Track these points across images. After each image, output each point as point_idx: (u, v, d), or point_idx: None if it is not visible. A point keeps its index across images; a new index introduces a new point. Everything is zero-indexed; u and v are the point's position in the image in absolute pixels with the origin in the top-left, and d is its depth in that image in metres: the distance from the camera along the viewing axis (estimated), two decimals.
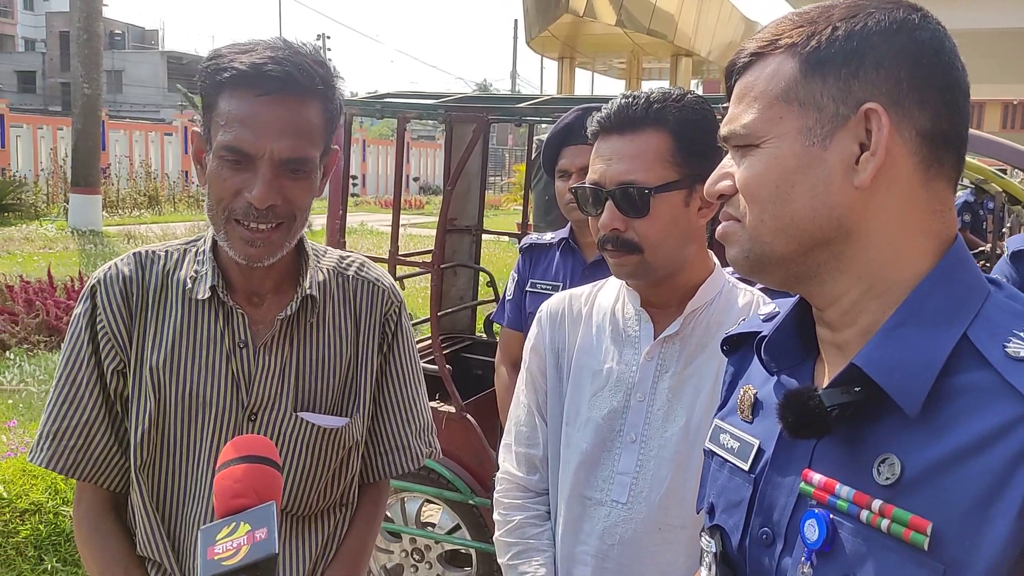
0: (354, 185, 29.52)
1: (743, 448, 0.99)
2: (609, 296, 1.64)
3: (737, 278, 1.73)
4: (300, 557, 1.44)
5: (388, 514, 3.50)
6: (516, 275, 2.87)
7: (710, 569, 1.01)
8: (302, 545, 1.44)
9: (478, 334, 4.55)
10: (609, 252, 1.49)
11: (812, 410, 0.85)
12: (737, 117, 0.91)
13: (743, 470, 0.98)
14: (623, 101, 1.49)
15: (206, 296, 1.39)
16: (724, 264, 1.82)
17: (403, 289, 4.39)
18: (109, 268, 1.44)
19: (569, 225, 2.76)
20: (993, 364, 0.79)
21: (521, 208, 4.82)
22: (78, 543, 1.47)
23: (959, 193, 5.08)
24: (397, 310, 1.54)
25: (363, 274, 1.53)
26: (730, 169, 0.93)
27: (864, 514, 0.82)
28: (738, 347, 1.10)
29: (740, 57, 0.93)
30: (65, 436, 1.40)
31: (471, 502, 3.25)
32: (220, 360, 1.39)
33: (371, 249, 12.87)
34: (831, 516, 0.85)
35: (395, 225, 3.46)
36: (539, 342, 1.68)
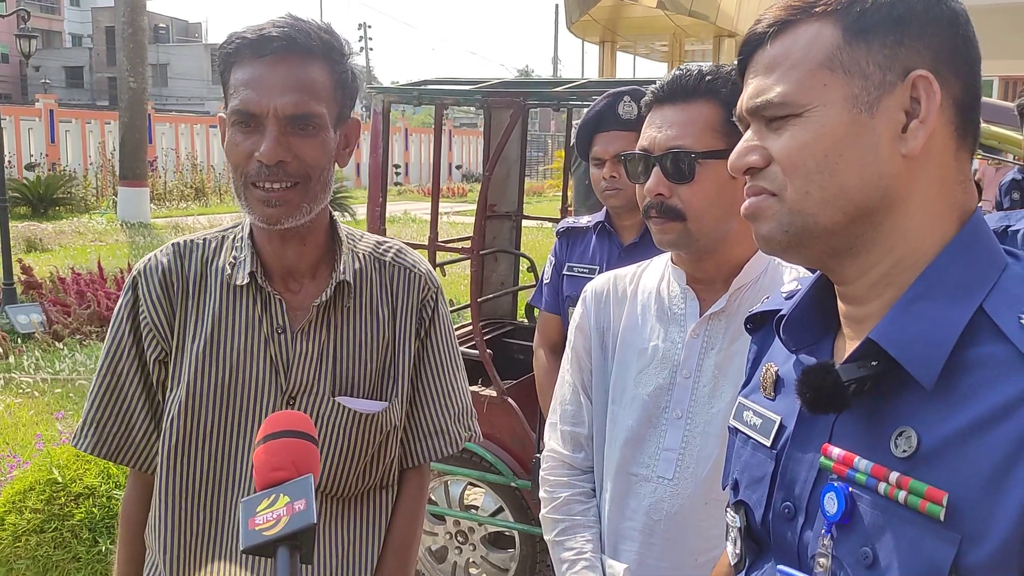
0: (397, 174, 29.70)
1: (765, 424, 1.00)
2: (654, 275, 1.63)
3: None
4: (342, 537, 1.45)
5: (432, 497, 3.54)
6: (553, 259, 2.87)
7: (735, 544, 1.03)
8: (344, 526, 1.46)
9: (519, 319, 4.55)
10: (653, 219, 1.49)
11: (830, 385, 0.85)
12: (769, 88, 0.89)
13: (765, 446, 0.99)
14: (677, 73, 1.51)
15: (245, 282, 1.41)
16: None
17: (443, 276, 4.43)
18: (149, 259, 1.47)
19: (605, 208, 2.75)
20: (1009, 336, 0.79)
21: (564, 192, 4.81)
22: (120, 527, 1.52)
23: (1008, 172, 4.96)
24: (434, 296, 1.54)
25: (400, 260, 1.54)
26: (756, 142, 0.91)
27: (882, 486, 0.82)
28: (761, 325, 1.10)
29: (761, 27, 0.91)
30: (107, 423, 1.45)
31: (513, 484, 3.26)
32: (259, 345, 1.41)
33: (414, 237, 12.94)
34: (850, 489, 0.85)
35: (434, 211, 3.48)
36: (584, 321, 1.68)
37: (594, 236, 2.79)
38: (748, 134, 0.93)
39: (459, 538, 3.52)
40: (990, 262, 0.85)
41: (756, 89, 0.91)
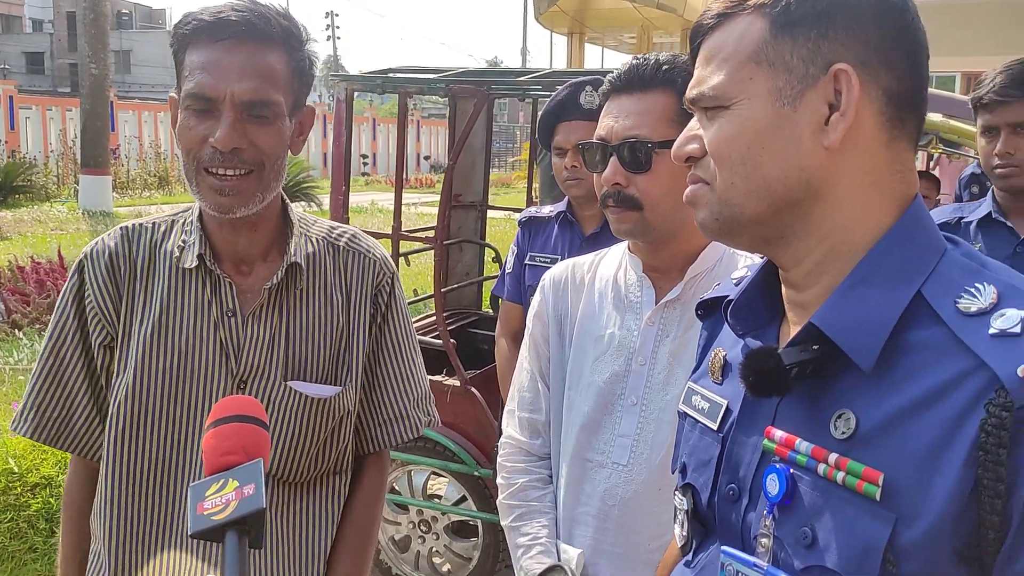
0: (364, 164, 29.51)
1: (712, 408, 1.02)
2: (611, 264, 1.65)
3: None
4: (295, 523, 1.45)
5: (395, 486, 3.54)
6: (515, 248, 2.89)
7: (682, 526, 1.05)
8: (296, 511, 1.45)
9: (484, 309, 4.56)
10: (610, 208, 1.50)
11: (772, 369, 0.86)
12: (705, 79, 0.91)
13: (712, 429, 1.01)
14: (634, 62, 1.52)
15: (193, 265, 1.39)
16: None
17: (408, 266, 4.41)
18: (96, 243, 1.45)
19: (567, 198, 2.76)
20: (945, 320, 0.81)
21: (529, 182, 4.82)
22: (63, 515, 1.51)
23: (968, 166, 5.05)
24: (390, 281, 1.54)
25: (355, 245, 1.53)
26: (697, 131, 0.93)
27: (821, 467, 0.84)
28: (711, 311, 1.12)
29: (706, 18, 0.93)
30: (48, 408, 1.43)
31: (476, 473, 3.27)
32: (208, 329, 1.40)
33: (380, 227, 12.89)
34: (791, 471, 0.87)
35: (398, 200, 3.46)
36: (543, 309, 1.69)
37: (556, 226, 2.80)
38: (692, 123, 0.95)
39: (422, 527, 3.53)
40: (928, 248, 0.87)
41: (695, 79, 0.93)
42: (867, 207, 0.88)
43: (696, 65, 0.94)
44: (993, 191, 2.43)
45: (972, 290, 0.82)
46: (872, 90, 0.86)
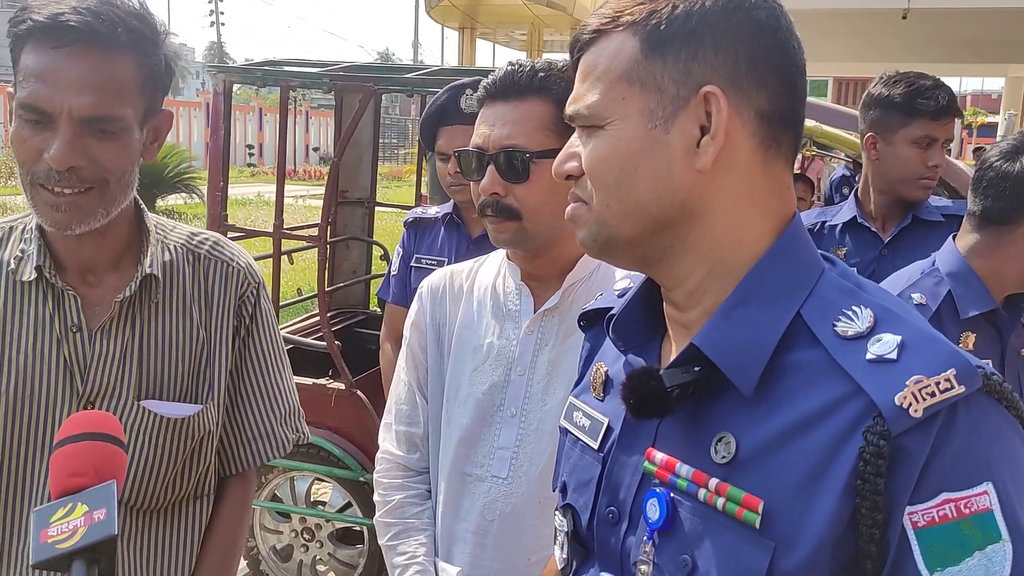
0: (250, 155, 28.67)
1: (593, 426, 0.99)
2: (490, 271, 1.61)
3: None
4: (152, 552, 1.35)
5: (277, 493, 3.42)
6: (401, 250, 2.82)
7: (562, 548, 1.01)
8: (153, 540, 1.36)
9: (372, 308, 4.47)
10: (489, 218, 1.47)
11: (653, 391, 0.84)
12: (581, 96, 0.89)
13: (593, 448, 0.98)
14: (509, 68, 1.48)
15: (32, 277, 1.28)
16: None
17: (292, 264, 4.28)
18: None
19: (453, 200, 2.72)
20: (823, 342, 0.80)
21: (423, 179, 4.74)
22: None
23: (836, 168, 5.25)
24: (255, 291, 1.45)
25: (217, 253, 1.44)
26: (577, 149, 0.90)
27: (702, 492, 0.82)
28: (594, 323, 1.09)
29: (583, 33, 0.90)
30: None
31: (362, 479, 3.19)
32: (50, 345, 1.28)
33: (266, 221, 12.51)
34: (671, 495, 0.85)
35: (279, 197, 3.34)
36: (420, 318, 1.64)
37: (443, 228, 2.75)
38: (572, 138, 0.92)
39: (305, 535, 3.42)
40: (807, 268, 0.86)
41: (573, 95, 0.90)
42: (745, 228, 0.86)
43: (576, 79, 0.91)
44: (858, 195, 2.50)
45: (849, 313, 0.81)
46: (744, 111, 0.84)
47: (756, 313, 0.83)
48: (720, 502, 0.80)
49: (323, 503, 3.58)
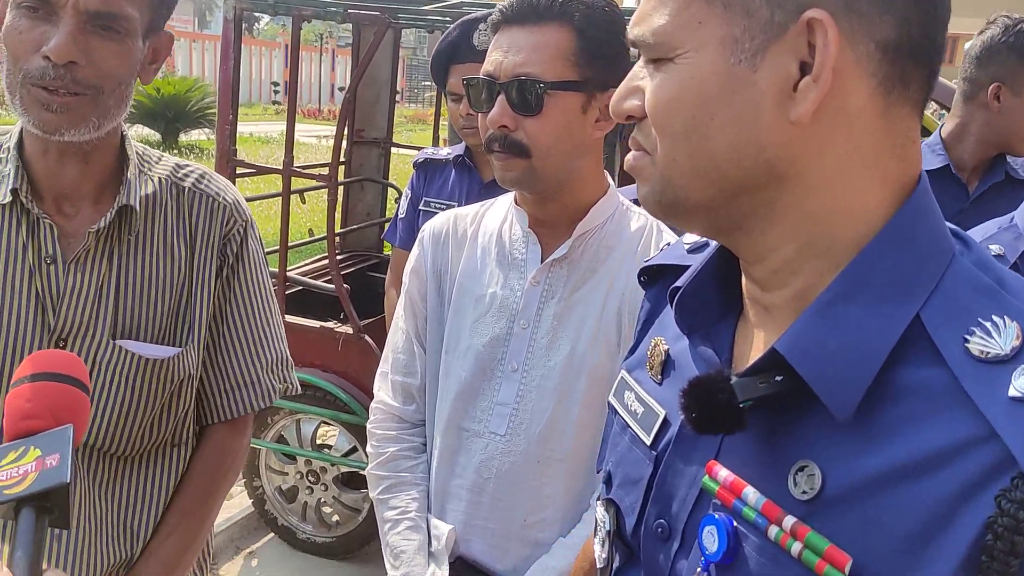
0: (275, 92, 28.47)
1: (647, 416, 0.83)
2: (496, 217, 1.52)
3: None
4: (122, 501, 1.29)
5: (283, 435, 3.40)
6: (410, 192, 2.72)
7: (603, 545, 0.87)
8: (125, 488, 1.29)
9: (385, 252, 4.39)
10: (496, 153, 1.37)
11: (721, 405, 0.68)
12: (646, 16, 0.70)
13: (644, 444, 0.82)
14: None
15: (6, 200, 1.20)
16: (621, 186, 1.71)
17: (304, 204, 4.19)
18: None
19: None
20: (948, 362, 0.61)
21: (443, 123, 4.62)
22: None
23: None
24: (242, 229, 1.36)
25: (202, 187, 1.35)
26: (641, 83, 0.72)
27: (773, 530, 0.66)
28: (656, 279, 0.92)
29: None
30: None
31: (368, 424, 3.14)
32: (21, 276, 1.20)
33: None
34: (735, 524, 0.69)
35: (290, 132, 3.24)
36: (420, 264, 1.55)
37: (454, 170, 2.65)
38: (633, 69, 0.74)
39: (310, 478, 3.40)
40: (933, 254, 0.66)
41: (637, 15, 0.72)
42: (854, 196, 0.67)
43: None
44: (944, 140, 2.31)
45: (988, 325, 0.62)
46: (860, 43, 0.64)
47: (862, 313, 0.65)
48: (796, 547, 0.64)
49: (329, 446, 3.55)
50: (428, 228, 1.57)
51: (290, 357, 1.45)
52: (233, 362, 1.37)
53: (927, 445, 0.60)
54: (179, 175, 1.34)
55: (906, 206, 0.67)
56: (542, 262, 1.42)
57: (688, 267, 0.83)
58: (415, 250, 1.57)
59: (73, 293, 1.22)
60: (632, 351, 0.94)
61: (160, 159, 1.36)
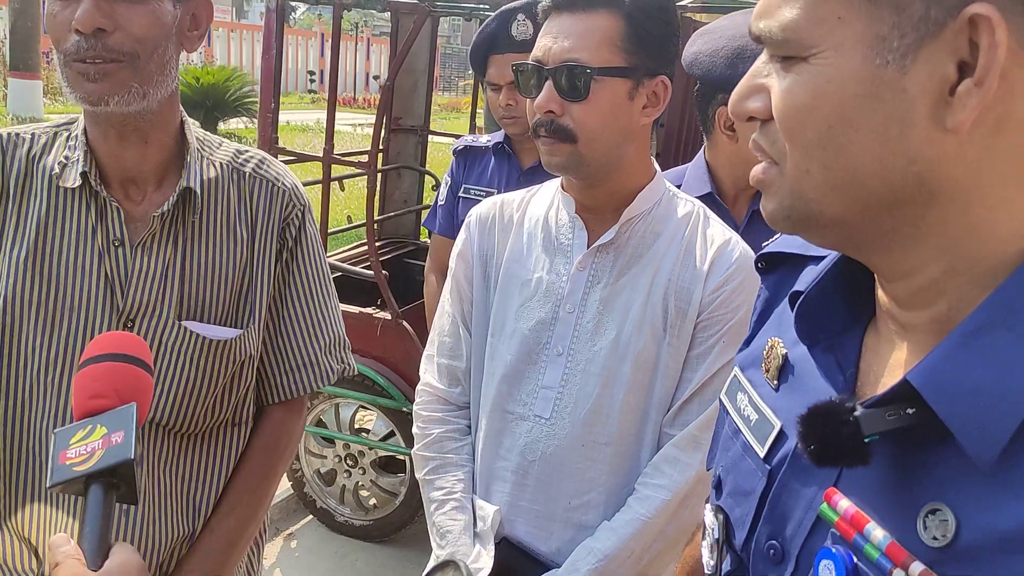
0: (311, 81, 28.63)
1: (761, 425, 0.78)
2: (543, 202, 1.53)
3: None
4: (184, 477, 1.32)
5: (322, 419, 3.44)
6: (449, 179, 2.74)
7: (711, 552, 0.84)
8: (187, 465, 1.32)
9: (422, 239, 4.42)
10: (542, 138, 1.38)
11: (844, 438, 0.62)
12: (775, 7, 0.64)
13: (757, 455, 0.77)
14: None
15: (76, 184, 1.23)
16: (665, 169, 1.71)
17: (342, 191, 4.23)
18: None
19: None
20: None
21: (478, 111, 4.63)
22: None
23: None
24: (300, 213, 1.39)
25: (262, 172, 1.37)
26: (766, 80, 0.66)
27: (899, 574, 0.61)
28: (775, 267, 0.86)
29: None
30: None
31: (405, 409, 3.18)
32: (91, 258, 1.23)
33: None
34: (855, 561, 0.64)
35: (330, 121, 3.27)
36: (467, 248, 1.57)
37: (493, 157, 2.66)
38: (756, 64, 0.68)
39: (348, 461, 3.44)
40: None
41: (764, 4, 0.65)
42: (1012, 211, 0.60)
43: None
44: None
45: None
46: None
47: (1013, 345, 0.58)
48: None
49: (367, 430, 3.59)
50: (475, 213, 1.58)
51: (347, 338, 1.48)
52: (293, 343, 1.39)
53: None
54: (239, 160, 1.37)
55: None
56: (588, 247, 1.43)
57: (809, 257, 0.78)
58: (462, 234, 1.59)
59: (141, 275, 1.25)
60: (747, 343, 0.88)
61: (221, 144, 1.38)
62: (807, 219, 0.66)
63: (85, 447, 0.86)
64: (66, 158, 1.25)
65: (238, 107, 15.78)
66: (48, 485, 0.84)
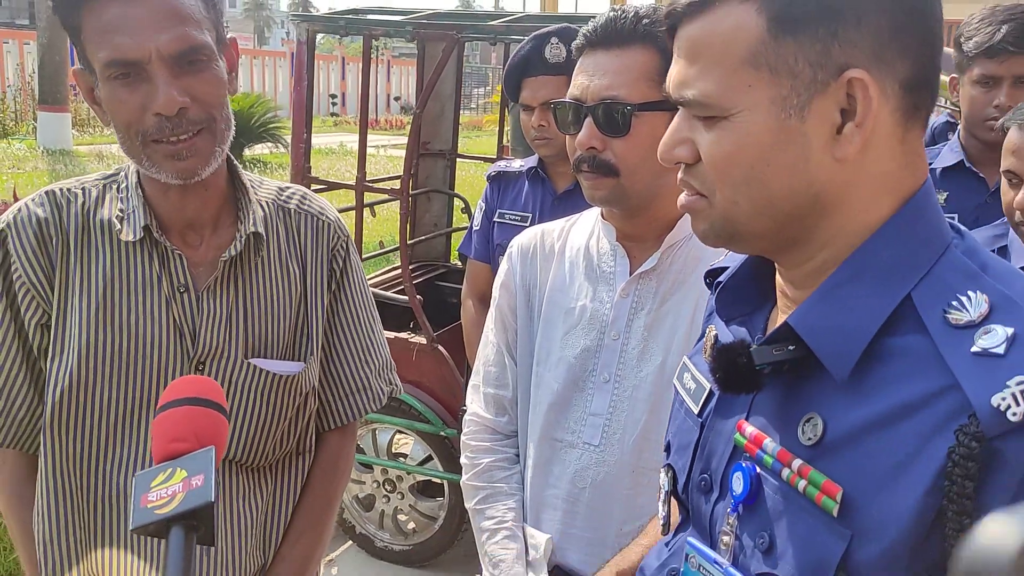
0: (333, 104, 28.90)
1: (697, 390, 0.97)
2: (583, 231, 1.54)
3: None
4: (254, 509, 1.35)
5: (360, 445, 3.46)
6: (483, 204, 2.76)
7: (664, 505, 1.02)
8: (257, 497, 1.35)
9: (453, 262, 4.45)
10: (584, 173, 1.39)
11: (741, 367, 0.81)
12: (691, 81, 0.81)
13: (693, 413, 0.96)
14: (611, 15, 1.39)
15: (138, 237, 1.26)
16: None
17: (373, 216, 4.27)
18: (20, 210, 1.29)
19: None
20: (929, 329, 0.74)
21: (500, 131, 4.66)
22: (3, 511, 1.37)
23: (939, 116, 4.96)
24: (345, 244, 1.43)
25: (305, 207, 1.41)
26: (686, 134, 0.84)
27: (785, 472, 0.80)
28: (716, 278, 1.04)
29: (680, 3, 0.82)
30: None
31: (442, 433, 3.20)
32: (159, 306, 1.27)
33: (348, 171, 12.63)
34: (757, 470, 0.83)
35: (362, 150, 3.31)
36: (509, 279, 1.58)
37: (527, 182, 2.68)
38: (677, 120, 0.85)
39: (387, 487, 3.46)
40: (928, 244, 0.79)
41: (680, 78, 0.83)
42: (876, 208, 0.80)
43: (677, 50, 0.83)
44: (961, 139, 2.32)
45: (964, 298, 0.74)
46: (888, 87, 0.76)
47: (860, 294, 0.78)
48: (801, 484, 0.78)
49: (404, 455, 3.60)
50: (516, 244, 1.60)
51: (392, 360, 1.51)
52: (347, 369, 1.43)
53: (906, 396, 0.73)
54: (283, 197, 1.40)
55: (906, 207, 0.80)
56: (630, 275, 1.44)
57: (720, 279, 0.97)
58: (504, 265, 1.61)
59: (209, 319, 1.28)
60: (698, 341, 1.05)
61: (262, 183, 1.42)
62: (733, 235, 0.84)
63: (166, 490, 0.87)
64: (121, 211, 1.28)
65: (262, 133, 15.96)
66: (131, 528, 0.86)
